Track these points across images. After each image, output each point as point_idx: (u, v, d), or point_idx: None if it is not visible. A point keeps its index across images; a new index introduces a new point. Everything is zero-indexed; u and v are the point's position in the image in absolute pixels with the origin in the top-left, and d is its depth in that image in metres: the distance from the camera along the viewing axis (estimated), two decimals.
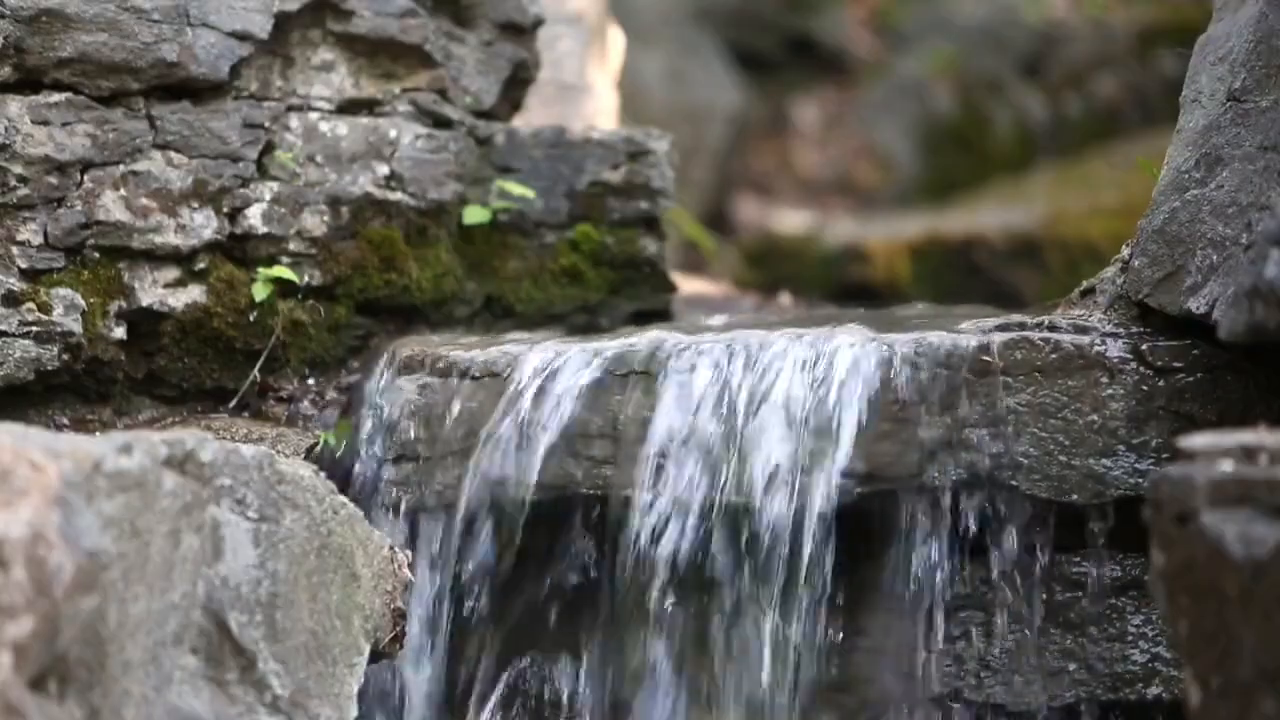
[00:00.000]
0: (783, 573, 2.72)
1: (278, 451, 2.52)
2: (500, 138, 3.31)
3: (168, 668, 2.22)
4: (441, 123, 3.25)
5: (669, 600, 2.76)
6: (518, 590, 2.85)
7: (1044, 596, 2.76)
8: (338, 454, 3.00)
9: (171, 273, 3.04)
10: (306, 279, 3.12)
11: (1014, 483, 2.73)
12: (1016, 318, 2.88)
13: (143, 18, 2.98)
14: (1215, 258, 2.73)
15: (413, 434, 2.90)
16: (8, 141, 2.91)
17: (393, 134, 3.20)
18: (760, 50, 7.61)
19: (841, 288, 5.66)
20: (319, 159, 3.15)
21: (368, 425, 2.97)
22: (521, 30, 3.35)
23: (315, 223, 3.13)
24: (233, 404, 3.09)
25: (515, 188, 3.27)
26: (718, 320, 3.30)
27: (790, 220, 6.76)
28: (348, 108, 3.20)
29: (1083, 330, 2.80)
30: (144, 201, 3.00)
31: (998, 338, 2.77)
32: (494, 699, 2.85)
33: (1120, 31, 7.24)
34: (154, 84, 3.02)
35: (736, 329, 2.95)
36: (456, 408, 2.88)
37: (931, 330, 2.82)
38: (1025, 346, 2.76)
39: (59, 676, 2.07)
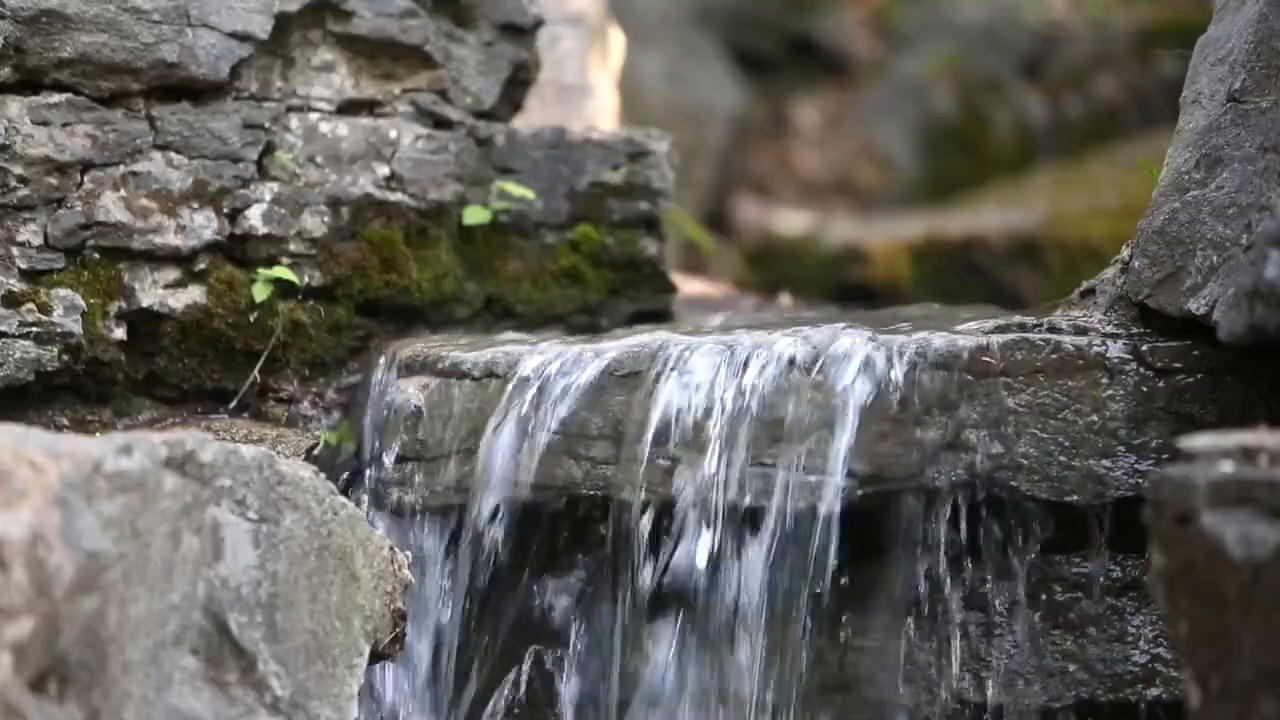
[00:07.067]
0: (783, 573, 2.72)
1: (278, 452, 2.52)
2: (500, 138, 3.31)
3: (168, 669, 2.22)
4: (442, 123, 3.25)
5: (669, 600, 2.76)
6: (518, 591, 2.85)
7: (1044, 597, 2.76)
8: (338, 455, 3.00)
9: (172, 273, 3.05)
10: (306, 280, 3.12)
11: (1014, 483, 2.73)
12: (1016, 318, 2.88)
13: (143, 18, 2.98)
14: (1215, 258, 2.73)
15: (413, 435, 2.90)
16: (8, 142, 2.91)
17: (393, 134, 3.20)
18: (760, 51, 7.61)
19: (841, 288, 5.66)
20: (319, 160, 3.15)
21: (368, 426, 2.97)
22: (522, 31, 3.35)
23: (315, 223, 3.13)
24: (233, 405, 3.09)
25: (515, 188, 3.28)
26: (718, 321, 3.30)
27: (790, 221, 6.76)
28: (348, 108, 3.20)
29: (1083, 331, 2.80)
30: (144, 202, 3.00)
31: (997, 338, 2.77)
32: (495, 700, 2.85)
33: (1120, 31, 7.24)
34: (154, 84, 3.02)
35: (736, 329, 2.95)
36: (457, 409, 2.88)
37: (932, 331, 2.82)
38: (1025, 347, 2.76)
39: (59, 677, 2.07)
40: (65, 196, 2.96)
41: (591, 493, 2.80)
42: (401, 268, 3.18)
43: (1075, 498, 2.73)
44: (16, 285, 2.92)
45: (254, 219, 3.09)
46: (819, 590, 2.73)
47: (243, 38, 3.06)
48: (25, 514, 2.00)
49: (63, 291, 2.94)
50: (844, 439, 2.72)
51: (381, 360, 3.02)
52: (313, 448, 2.96)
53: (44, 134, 2.94)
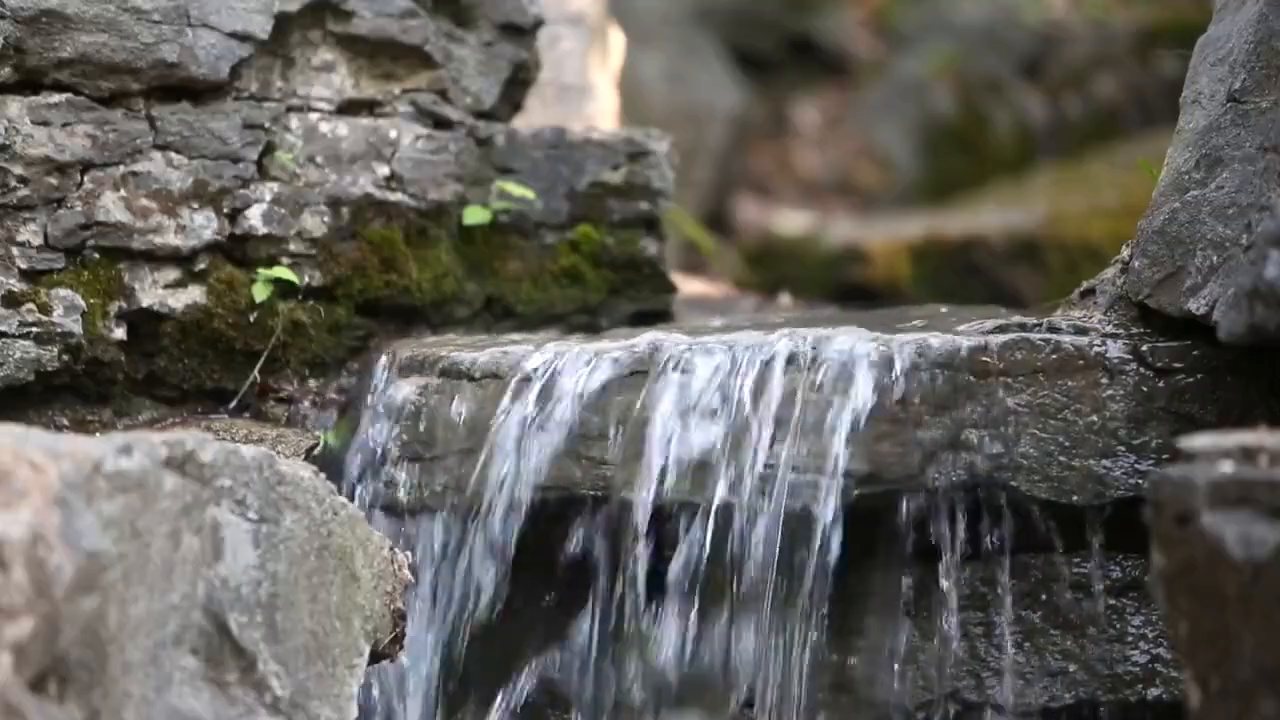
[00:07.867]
0: (783, 573, 2.72)
1: (278, 452, 2.51)
2: (500, 138, 3.31)
3: (168, 669, 2.22)
4: (442, 123, 3.25)
5: (670, 600, 2.76)
6: (519, 591, 2.85)
7: (1044, 597, 2.76)
8: (338, 455, 3.00)
9: (172, 273, 3.05)
10: (306, 280, 3.12)
11: (1014, 483, 2.73)
12: (1016, 318, 2.88)
13: (143, 18, 2.98)
14: (1215, 258, 2.73)
15: (413, 435, 2.90)
16: (8, 142, 2.91)
17: (393, 134, 3.20)
18: (760, 51, 7.62)
19: (841, 289, 5.66)
20: (319, 160, 3.15)
21: (368, 426, 2.97)
22: (522, 31, 3.35)
23: (315, 223, 3.13)
24: (233, 405, 3.09)
25: (515, 188, 3.28)
26: (718, 321, 3.30)
27: (790, 221, 6.76)
28: (348, 108, 3.20)
29: (1082, 331, 2.80)
30: (144, 202, 3.00)
31: (997, 339, 2.77)
32: (494, 701, 2.85)
33: (1120, 31, 7.24)
34: (154, 84, 3.02)
35: (737, 330, 2.95)
36: (457, 409, 2.88)
37: (931, 331, 2.82)
38: (1025, 347, 2.76)
39: (59, 677, 2.07)
40: (65, 196, 2.96)
41: (592, 492, 2.80)
42: (401, 268, 3.18)
43: (1075, 498, 2.73)
44: (16, 285, 2.92)
45: (254, 219, 3.09)
46: (819, 590, 2.73)
47: (243, 38, 3.06)
48: (25, 514, 2.00)
49: (63, 291, 2.94)
50: (843, 439, 2.72)
51: (381, 360, 3.02)
52: (313, 448, 2.96)
53: (44, 134, 2.94)
